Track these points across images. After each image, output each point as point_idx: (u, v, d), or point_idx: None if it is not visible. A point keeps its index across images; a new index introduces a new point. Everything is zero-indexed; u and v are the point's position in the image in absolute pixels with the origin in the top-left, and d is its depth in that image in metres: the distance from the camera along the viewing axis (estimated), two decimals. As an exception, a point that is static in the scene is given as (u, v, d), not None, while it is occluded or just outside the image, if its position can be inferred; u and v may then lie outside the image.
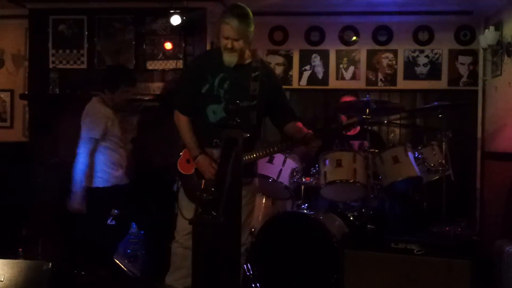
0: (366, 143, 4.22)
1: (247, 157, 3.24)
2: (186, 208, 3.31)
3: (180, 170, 3.42)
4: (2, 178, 5.25)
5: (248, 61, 3.34)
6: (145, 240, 4.55)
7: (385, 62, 5.75)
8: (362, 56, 5.77)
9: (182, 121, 3.36)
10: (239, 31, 3.14)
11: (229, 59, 3.22)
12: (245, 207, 3.30)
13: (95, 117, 4.21)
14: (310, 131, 3.27)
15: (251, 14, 3.20)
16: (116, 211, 4.34)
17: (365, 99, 4.12)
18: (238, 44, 3.17)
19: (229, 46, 3.17)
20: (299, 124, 3.41)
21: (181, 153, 3.42)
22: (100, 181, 4.22)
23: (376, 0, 5.31)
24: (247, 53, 3.32)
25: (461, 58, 5.65)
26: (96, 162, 4.21)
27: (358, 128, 4.92)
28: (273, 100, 3.39)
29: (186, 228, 3.31)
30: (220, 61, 3.26)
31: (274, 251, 4.03)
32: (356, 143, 4.77)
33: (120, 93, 4.29)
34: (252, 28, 3.20)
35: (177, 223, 3.44)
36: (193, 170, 3.37)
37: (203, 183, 3.31)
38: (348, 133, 4.94)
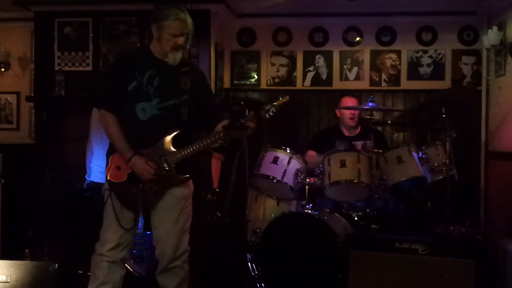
0: (368, 143, 4.22)
1: (182, 153, 3.10)
2: (124, 218, 3.16)
3: (110, 179, 3.17)
4: (8, 180, 5.28)
5: None
6: (151, 241, 4.56)
7: (388, 62, 5.75)
8: (366, 57, 5.78)
9: (110, 121, 3.12)
10: (190, 26, 3.10)
11: (176, 56, 3.12)
12: (185, 209, 3.13)
13: None
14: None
15: None
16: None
17: (367, 105, 4.14)
18: (182, 41, 3.11)
19: (180, 42, 3.09)
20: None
21: (108, 161, 3.19)
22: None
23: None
24: None
25: (465, 58, 5.65)
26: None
27: (360, 127, 4.92)
28: (202, 99, 3.26)
29: (113, 240, 3.17)
30: (147, 59, 3.15)
31: (279, 251, 4.05)
32: (359, 143, 4.77)
33: None
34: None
35: (102, 234, 3.22)
36: (126, 176, 3.14)
37: (141, 188, 3.11)
38: (350, 134, 4.93)
